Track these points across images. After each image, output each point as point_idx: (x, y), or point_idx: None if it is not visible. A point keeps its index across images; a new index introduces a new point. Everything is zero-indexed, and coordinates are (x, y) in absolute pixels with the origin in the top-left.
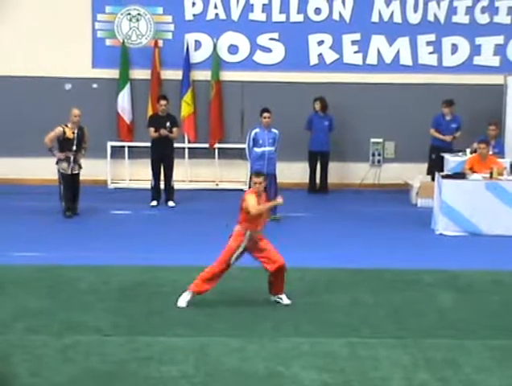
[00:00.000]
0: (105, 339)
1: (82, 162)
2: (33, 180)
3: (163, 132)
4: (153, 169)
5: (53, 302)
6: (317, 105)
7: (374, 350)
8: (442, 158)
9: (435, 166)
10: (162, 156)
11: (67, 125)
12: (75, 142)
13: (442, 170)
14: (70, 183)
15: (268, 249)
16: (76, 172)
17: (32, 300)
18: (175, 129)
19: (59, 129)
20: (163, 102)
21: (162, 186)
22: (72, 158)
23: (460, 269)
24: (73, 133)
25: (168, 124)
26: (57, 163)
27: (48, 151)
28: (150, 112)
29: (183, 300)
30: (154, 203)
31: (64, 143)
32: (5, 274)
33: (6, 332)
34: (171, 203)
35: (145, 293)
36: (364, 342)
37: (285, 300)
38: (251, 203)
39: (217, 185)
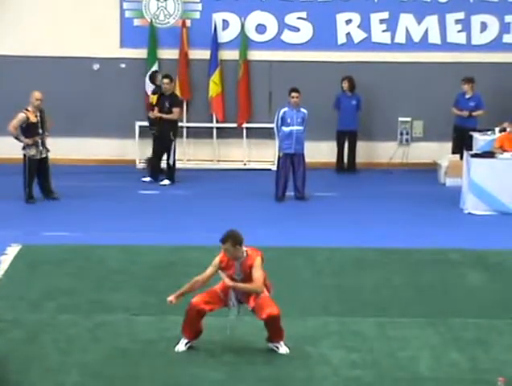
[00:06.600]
0: (134, 319)
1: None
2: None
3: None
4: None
5: (83, 282)
6: (345, 84)
7: (403, 330)
8: (464, 137)
9: (457, 146)
10: (159, 136)
11: (28, 110)
12: (39, 126)
13: (463, 149)
14: (38, 168)
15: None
16: (45, 156)
17: (63, 279)
18: (174, 110)
19: (21, 115)
20: (165, 80)
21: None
22: (40, 142)
23: (490, 248)
24: (36, 116)
25: (167, 104)
26: (24, 149)
27: (15, 139)
28: (178, 92)
29: None
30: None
31: (29, 128)
32: (36, 254)
33: (37, 311)
34: (164, 182)
35: (173, 273)
36: (392, 322)
37: (281, 349)
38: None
39: (245, 165)
